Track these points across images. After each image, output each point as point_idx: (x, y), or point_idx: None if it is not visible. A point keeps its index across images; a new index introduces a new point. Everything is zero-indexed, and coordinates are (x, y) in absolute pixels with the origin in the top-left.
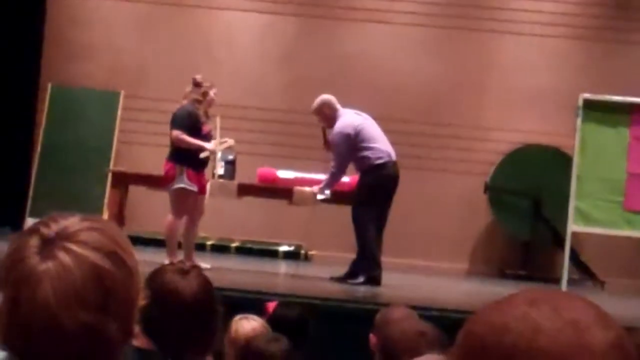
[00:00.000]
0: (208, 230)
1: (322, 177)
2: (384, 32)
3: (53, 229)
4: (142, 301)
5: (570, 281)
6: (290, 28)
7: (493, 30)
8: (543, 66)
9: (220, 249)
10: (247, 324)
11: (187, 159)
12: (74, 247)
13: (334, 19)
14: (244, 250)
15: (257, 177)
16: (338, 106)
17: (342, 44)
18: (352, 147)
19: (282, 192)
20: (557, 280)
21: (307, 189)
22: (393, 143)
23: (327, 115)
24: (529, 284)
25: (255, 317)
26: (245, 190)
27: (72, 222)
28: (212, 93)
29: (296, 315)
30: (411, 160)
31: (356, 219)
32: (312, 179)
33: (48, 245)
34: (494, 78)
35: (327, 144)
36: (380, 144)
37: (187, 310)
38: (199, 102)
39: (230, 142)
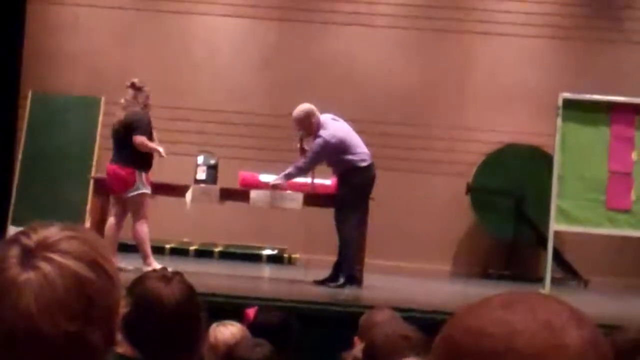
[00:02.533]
0: (191, 236)
1: (304, 180)
2: (364, 35)
3: (33, 239)
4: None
5: (554, 280)
6: (271, 32)
7: (472, 31)
8: (523, 66)
9: (204, 254)
10: (226, 330)
11: (145, 164)
12: (55, 256)
13: (314, 23)
14: (228, 255)
15: (239, 181)
16: (318, 115)
17: (323, 47)
18: (331, 154)
19: None
20: (540, 280)
21: (288, 191)
22: (374, 145)
23: (309, 126)
24: (512, 284)
25: (233, 322)
26: (227, 194)
27: (52, 231)
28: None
29: (277, 320)
30: (392, 161)
31: (340, 221)
32: (294, 182)
33: (29, 256)
34: (474, 79)
35: (302, 150)
36: (361, 147)
37: (171, 317)
38: (147, 105)
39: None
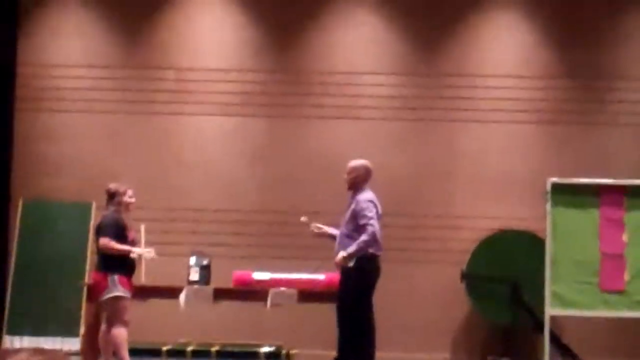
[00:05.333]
0: (187, 336)
1: (298, 276)
2: (351, 128)
3: None
4: None
5: None
6: (260, 129)
7: (458, 119)
8: (510, 152)
9: (201, 354)
10: None
11: (117, 267)
12: None
13: (302, 118)
14: (225, 354)
15: (232, 280)
16: (369, 178)
17: (311, 141)
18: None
19: (258, 294)
20: None
21: (282, 288)
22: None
23: (358, 178)
24: None
25: None
26: (221, 294)
27: (21, 357)
28: (127, 198)
29: None
30: (386, 253)
31: (357, 311)
32: (289, 278)
33: None
34: (462, 166)
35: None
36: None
37: None
38: (122, 208)
39: (152, 254)
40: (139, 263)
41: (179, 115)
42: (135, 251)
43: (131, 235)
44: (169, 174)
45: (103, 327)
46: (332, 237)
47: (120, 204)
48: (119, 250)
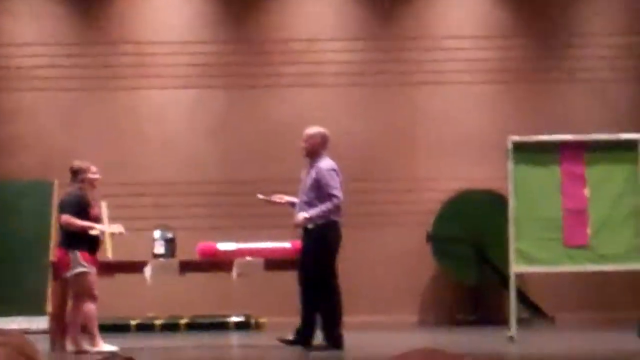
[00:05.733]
0: (155, 310)
1: (264, 245)
2: (312, 96)
3: None
4: None
5: (521, 321)
6: (220, 100)
7: (419, 82)
8: (471, 112)
9: (170, 327)
10: None
11: (79, 243)
12: None
13: (261, 87)
14: (194, 326)
15: (197, 252)
16: (326, 146)
17: (272, 110)
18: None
19: (224, 264)
20: (507, 322)
21: (248, 258)
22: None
23: (316, 145)
24: (480, 329)
25: None
26: (186, 267)
27: None
28: (91, 175)
29: None
30: (351, 218)
31: (323, 280)
32: (253, 248)
33: None
34: (424, 129)
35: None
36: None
37: None
38: (87, 185)
39: (121, 229)
40: (104, 239)
41: (138, 90)
42: (97, 227)
43: (94, 212)
44: (130, 149)
45: (70, 304)
46: (292, 204)
47: (84, 181)
48: (79, 227)
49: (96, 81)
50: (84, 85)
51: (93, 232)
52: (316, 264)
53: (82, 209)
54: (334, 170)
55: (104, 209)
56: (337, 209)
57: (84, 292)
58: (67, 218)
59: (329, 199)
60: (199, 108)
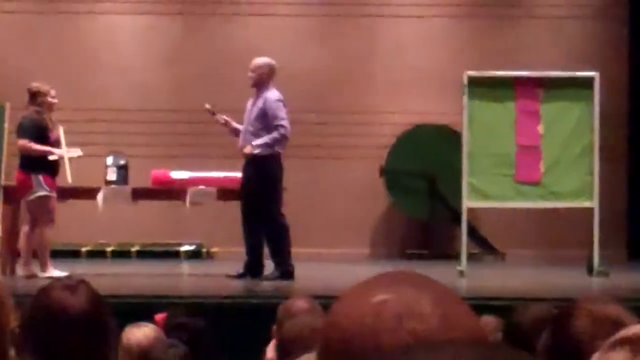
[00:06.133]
0: (107, 237)
1: (217, 174)
2: (268, 25)
3: None
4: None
5: (471, 256)
6: (175, 27)
7: (375, 14)
8: (427, 47)
9: (121, 254)
10: (139, 332)
11: (41, 166)
12: None
13: (217, 15)
14: (145, 254)
15: (150, 179)
16: (272, 74)
17: (228, 39)
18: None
19: (177, 193)
20: (458, 256)
21: (201, 187)
22: None
23: (263, 76)
24: (431, 263)
25: (147, 324)
26: (139, 194)
27: None
28: (49, 98)
29: (187, 322)
30: (304, 149)
31: (268, 212)
32: (206, 177)
33: None
34: (379, 62)
35: (225, 122)
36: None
37: (78, 326)
38: (45, 109)
39: (79, 152)
40: (62, 164)
41: (93, 14)
42: (55, 152)
43: (54, 135)
44: (82, 74)
45: (25, 228)
46: (236, 131)
47: (42, 104)
48: (36, 152)
49: (50, 4)
50: (38, 8)
51: (51, 157)
52: (258, 195)
53: (40, 133)
54: (280, 101)
55: (61, 134)
56: (284, 139)
57: (43, 216)
58: (24, 143)
59: (275, 129)
60: (154, 35)
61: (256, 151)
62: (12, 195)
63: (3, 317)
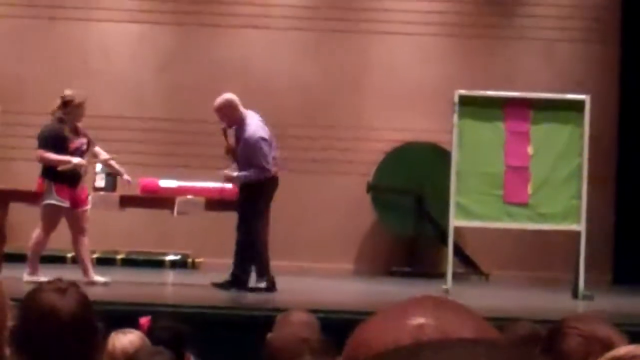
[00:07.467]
0: (92, 244)
1: (205, 184)
2: (261, 38)
3: None
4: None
5: (456, 275)
6: (167, 37)
7: (368, 31)
8: (420, 64)
9: (106, 261)
10: (125, 338)
11: (56, 175)
12: None
13: (210, 26)
14: (130, 262)
15: (139, 187)
16: (240, 107)
17: (220, 50)
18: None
19: (164, 201)
20: (442, 276)
21: (189, 197)
22: (275, 147)
23: (228, 115)
24: (415, 281)
25: (132, 330)
26: (127, 201)
27: None
28: (80, 109)
29: (171, 328)
30: (293, 163)
31: (251, 229)
32: (195, 187)
33: None
34: (371, 78)
35: (228, 146)
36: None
37: (66, 328)
38: (62, 119)
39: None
40: (85, 173)
41: (85, 22)
42: (73, 161)
43: (75, 144)
44: (75, 81)
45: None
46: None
47: (70, 113)
48: (51, 161)
49: (43, 10)
50: (30, 13)
51: (60, 168)
52: (243, 206)
53: (58, 142)
54: (261, 138)
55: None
56: (262, 174)
57: (44, 223)
58: (40, 153)
59: (254, 167)
60: (146, 44)
61: (233, 182)
62: (2, 199)
63: (1, 314)
